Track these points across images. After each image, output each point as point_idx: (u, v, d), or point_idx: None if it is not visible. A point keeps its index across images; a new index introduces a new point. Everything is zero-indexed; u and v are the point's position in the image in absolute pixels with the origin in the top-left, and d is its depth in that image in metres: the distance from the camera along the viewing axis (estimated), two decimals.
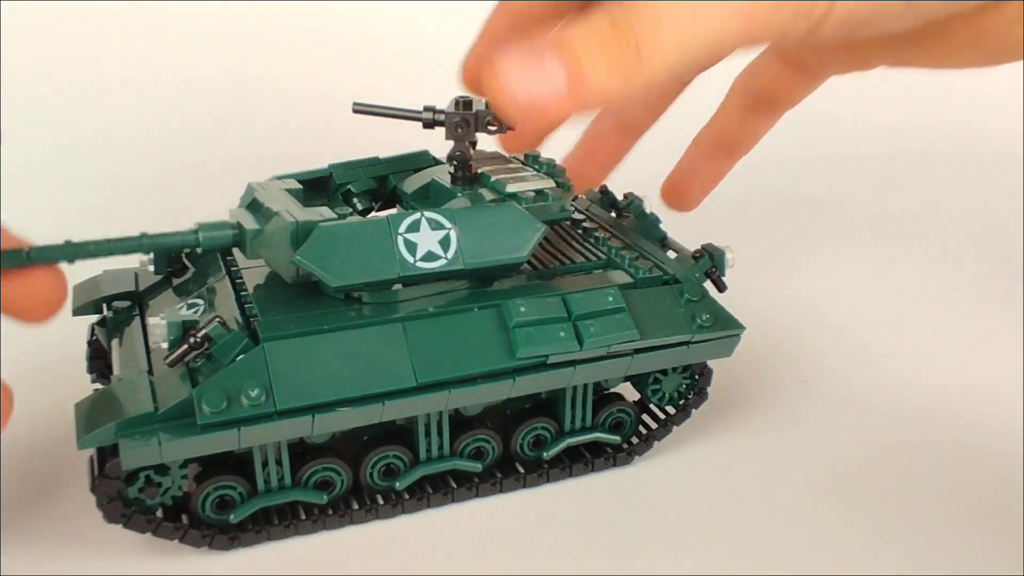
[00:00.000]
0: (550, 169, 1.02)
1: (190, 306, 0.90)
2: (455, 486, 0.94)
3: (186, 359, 0.80)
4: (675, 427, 1.02)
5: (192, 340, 0.79)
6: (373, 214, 1.01)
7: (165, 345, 0.80)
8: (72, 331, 1.04)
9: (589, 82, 0.65)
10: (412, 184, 1.00)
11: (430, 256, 0.86)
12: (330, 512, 0.89)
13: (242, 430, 0.78)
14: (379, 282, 0.86)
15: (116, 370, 0.88)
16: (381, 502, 0.91)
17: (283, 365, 0.80)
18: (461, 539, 0.90)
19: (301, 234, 0.83)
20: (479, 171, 0.98)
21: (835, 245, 1.60)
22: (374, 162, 1.03)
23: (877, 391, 1.16)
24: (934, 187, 1.82)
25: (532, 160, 1.04)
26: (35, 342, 1.17)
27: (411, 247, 0.86)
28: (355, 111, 0.95)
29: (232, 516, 0.85)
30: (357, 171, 1.01)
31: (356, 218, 0.87)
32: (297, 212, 0.86)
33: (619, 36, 0.65)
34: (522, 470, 0.97)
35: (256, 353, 0.80)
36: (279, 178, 0.97)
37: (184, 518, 0.86)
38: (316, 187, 1.00)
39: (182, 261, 0.98)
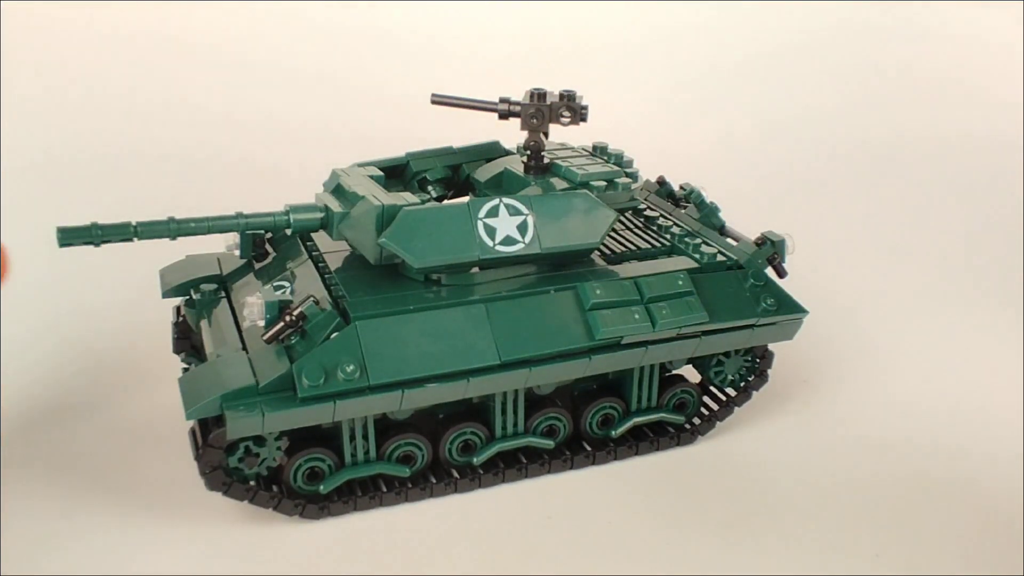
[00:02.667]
0: (618, 160, 1.06)
1: (276, 288, 0.94)
2: (527, 462, 0.98)
3: (282, 336, 0.84)
4: (737, 408, 1.06)
5: (288, 318, 0.83)
6: (447, 202, 1.05)
7: (262, 323, 0.84)
8: (145, 312, 1.08)
9: None
10: (485, 173, 1.03)
11: (508, 240, 0.90)
12: (411, 486, 0.93)
13: (338, 403, 0.83)
14: (459, 264, 0.90)
15: (209, 348, 0.92)
16: (459, 477, 0.96)
17: (374, 342, 0.84)
18: (536, 512, 0.94)
19: (386, 217, 0.88)
20: (551, 161, 1.01)
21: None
22: (448, 151, 1.07)
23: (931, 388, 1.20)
24: (947, 192, 1.85)
25: (601, 151, 1.08)
26: (118, 323, 1.22)
27: (490, 231, 0.90)
28: (433, 102, 1.00)
29: (322, 487, 0.89)
30: (432, 160, 1.05)
31: (436, 203, 0.91)
32: (382, 196, 0.90)
33: None
34: (590, 448, 1.01)
35: (349, 331, 0.84)
36: (360, 165, 1.01)
37: (274, 489, 0.90)
38: (393, 175, 1.04)
39: (265, 246, 1.03)
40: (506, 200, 0.91)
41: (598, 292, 0.92)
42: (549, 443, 0.98)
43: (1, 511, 0.91)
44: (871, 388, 1.18)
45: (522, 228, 0.91)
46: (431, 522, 0.92)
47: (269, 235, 1.03)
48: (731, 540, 0.90)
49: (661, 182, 1.19)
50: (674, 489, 0.98)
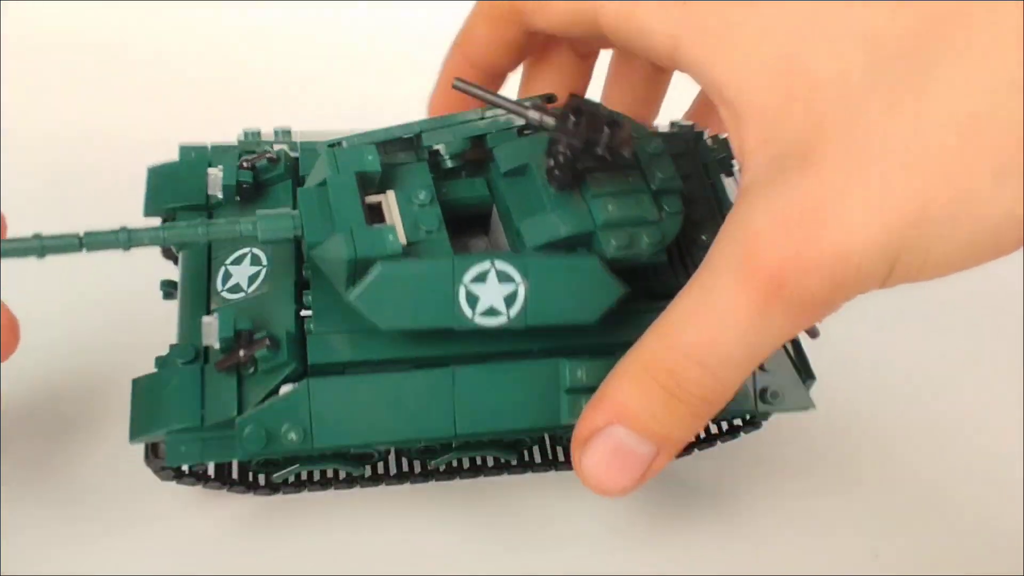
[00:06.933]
0: (665, 183, 0.86)
1: (253, 262, 0.87)
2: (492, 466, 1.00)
3: (236, 367, 0.81)
4: (720, 443, 1.02)
5: (241, 353, 0.79)
6: (424, 263, 0.80)
7: (216, 345, 0.81)
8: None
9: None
10: (509, 156, 0.86)
11: (491, 312, 0.80)
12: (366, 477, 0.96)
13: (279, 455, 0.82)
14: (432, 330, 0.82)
15: (178, 308, 0.88)
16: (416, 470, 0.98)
17: (325, 404, 0.80)
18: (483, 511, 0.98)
19: (359, 268, 0.78)
20: (583, 169, 0.84)
21: None
22: (473, 118, 0.88)
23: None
24: None
25: (656, 160, 0.87)
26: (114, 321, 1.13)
27: (473, 300, 0.79)
28: (454, 87, 0.83)
29: (275, 476, 0.92)
30: (448, 133, 0.88)
31: (417, 260, 0.78)
32: (357, 235, 0.77)
33: (675, 396, 0.70)
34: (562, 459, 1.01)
35: (300, 390, 0.80)
36: (356, 144, 0.85)
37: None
38: (404, 145, 0.89)
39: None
40: (498, 264, 0.79)
41: (579, 375, 0.83)
42: (512, 455, 0.97)
43: (1, 512, 0.93)
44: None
45: (510, 300, 0.80)
46: (379, 510, 0.96)
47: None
48: None
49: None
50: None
